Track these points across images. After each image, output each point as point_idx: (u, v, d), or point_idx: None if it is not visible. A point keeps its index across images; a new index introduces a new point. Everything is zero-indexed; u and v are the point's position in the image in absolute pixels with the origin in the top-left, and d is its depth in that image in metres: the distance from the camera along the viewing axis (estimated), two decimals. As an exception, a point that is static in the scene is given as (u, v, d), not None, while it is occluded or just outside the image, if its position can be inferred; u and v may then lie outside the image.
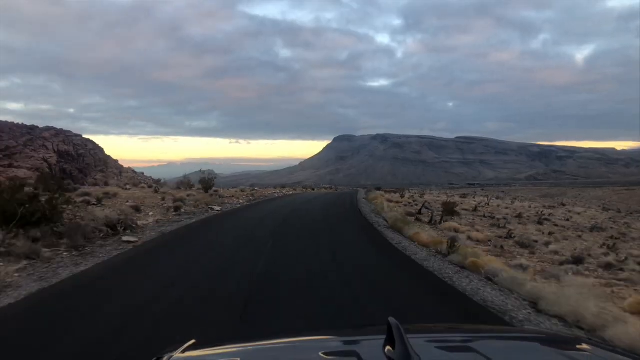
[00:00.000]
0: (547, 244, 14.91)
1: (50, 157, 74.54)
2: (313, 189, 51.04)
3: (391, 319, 1.15)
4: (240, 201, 23.59)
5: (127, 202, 15.91)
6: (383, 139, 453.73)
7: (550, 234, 18.82)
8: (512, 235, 15.27)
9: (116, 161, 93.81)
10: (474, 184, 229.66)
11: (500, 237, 15.00)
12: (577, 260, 11.06)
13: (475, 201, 35.84)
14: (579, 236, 19.73)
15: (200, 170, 26.59)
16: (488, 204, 33.52)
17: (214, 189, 26.45)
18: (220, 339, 1.94)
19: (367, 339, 1.48)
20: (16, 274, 6.54)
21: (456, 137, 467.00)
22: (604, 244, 16.82)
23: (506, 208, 32.09)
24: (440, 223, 15.94)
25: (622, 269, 10.30)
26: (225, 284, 6.36)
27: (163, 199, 18.41)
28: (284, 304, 5.42)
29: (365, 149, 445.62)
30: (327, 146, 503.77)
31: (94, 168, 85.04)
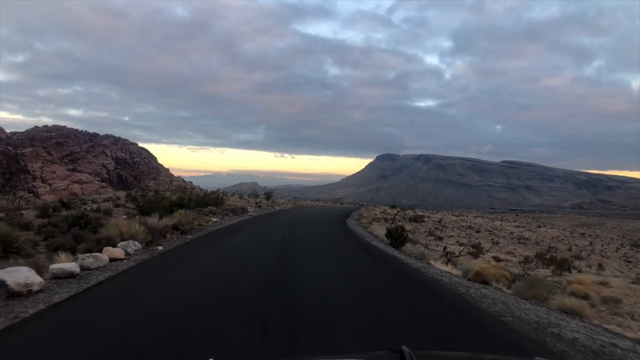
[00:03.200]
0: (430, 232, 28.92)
1: (109, 163, 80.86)
2: (342, 204, 65.85)
3: (404, 348, 1.13)
4: (289, 206, 39.16)
5: (234, 202, 31.70)
6: (426, 159, 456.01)
7: (439, 228, 32.55)
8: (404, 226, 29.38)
9: (167, 170, 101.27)
10: (515, 210, 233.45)
11: (416, 227, 29.13)
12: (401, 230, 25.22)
13: (462, 219, 49.22)
14: (461, 232, 33.23)
15: (265, 187, 42.67)
16: (465, 221, 46.86)
17: (272, 198, 42.23)
18: None
19: None
20: (222, 219, 22.14)
21: (502, 161, 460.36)
22: (435, 229, 30.43)
23: (473, 223, 45.31)
24: (393, 223, 30.21)
25: (440, 238, 24.40)
26: (288, 221, 21.57)
27: (248, 202, 34.17)
28: (310, 219, 20.57)
29: (408, 169, 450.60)
30: (369, 164, 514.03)
31: (147, 175, 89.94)
